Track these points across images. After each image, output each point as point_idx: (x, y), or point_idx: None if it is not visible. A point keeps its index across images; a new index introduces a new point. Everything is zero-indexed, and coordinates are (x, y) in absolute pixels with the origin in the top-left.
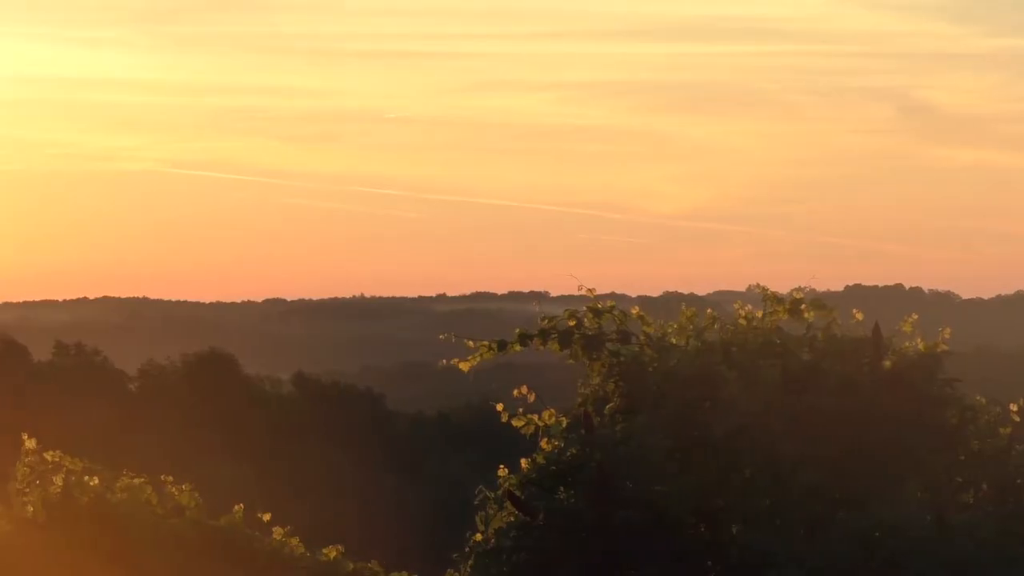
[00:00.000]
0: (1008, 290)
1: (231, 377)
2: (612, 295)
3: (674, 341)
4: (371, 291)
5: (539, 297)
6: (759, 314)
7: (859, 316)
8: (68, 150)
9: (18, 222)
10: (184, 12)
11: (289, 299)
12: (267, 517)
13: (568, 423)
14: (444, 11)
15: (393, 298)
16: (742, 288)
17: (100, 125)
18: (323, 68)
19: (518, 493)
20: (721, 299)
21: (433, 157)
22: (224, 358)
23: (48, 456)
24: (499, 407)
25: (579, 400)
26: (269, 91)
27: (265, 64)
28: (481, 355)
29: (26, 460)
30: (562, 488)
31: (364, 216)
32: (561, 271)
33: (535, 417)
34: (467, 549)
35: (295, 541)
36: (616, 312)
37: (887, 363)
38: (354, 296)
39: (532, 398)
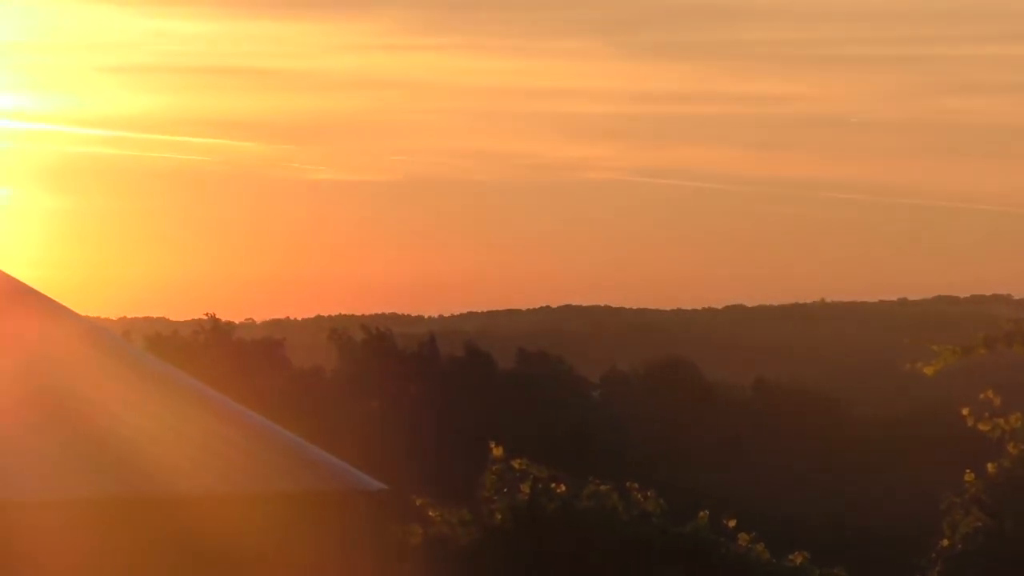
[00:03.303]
0: None
1: (692, 384)
2: None
3: None
4: (832, 296)
5: (1003, 300)
6: None
7: None
8: (535, 160)
9: (484, 231)
10: (648, 22)
11: (750, 305)
12: (732, 523)
13: None
14: (904, 14)
15: (854, 302)
16: None
17: (567, 135)
18: (785, 74)
19: (986, 498)
20: None
21: (896, 161)
22: (685, 365)
23: (515, 464)
24: (965, 411)
25: None
26: (732, 98)
27: (728, 71)
28: (945, 359)
29: (493, 468)
30: None
31: (824, 221)
32: None
33: (1001, 421)
34: (933, 555)
35: (760, 547)
36: None
37: None
38: (815, 301)
39: (998, 402)
